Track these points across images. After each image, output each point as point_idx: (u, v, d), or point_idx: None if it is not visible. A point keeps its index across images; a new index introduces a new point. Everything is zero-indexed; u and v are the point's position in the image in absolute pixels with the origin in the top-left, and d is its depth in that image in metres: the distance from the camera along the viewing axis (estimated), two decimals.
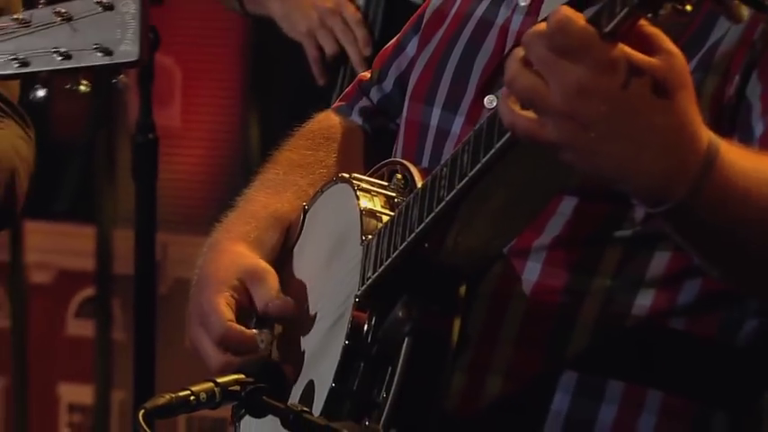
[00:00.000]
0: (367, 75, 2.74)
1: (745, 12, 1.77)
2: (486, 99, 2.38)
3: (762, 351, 2.26)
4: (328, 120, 2.71)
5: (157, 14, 3.72)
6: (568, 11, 1.80)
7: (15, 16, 2.38)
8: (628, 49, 1.82)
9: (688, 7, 1.76)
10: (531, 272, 2.27)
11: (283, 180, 2.60)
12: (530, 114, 1.85)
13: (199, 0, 5.46)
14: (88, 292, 6.29)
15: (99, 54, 2.34)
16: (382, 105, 2.69)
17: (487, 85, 2.40)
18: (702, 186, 1.92)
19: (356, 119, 2.70)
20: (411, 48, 2.64)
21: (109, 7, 2.33)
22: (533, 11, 2.40)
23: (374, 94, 2.70)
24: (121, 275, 5.76)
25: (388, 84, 2.68)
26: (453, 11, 2.54)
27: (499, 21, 2.45)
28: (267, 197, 2.57)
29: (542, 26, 1.82)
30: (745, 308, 2.23)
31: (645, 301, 2.25)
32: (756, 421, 2.28)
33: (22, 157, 2.74)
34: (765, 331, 2.24)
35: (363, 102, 2.71)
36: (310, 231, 2.50)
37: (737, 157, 1.97)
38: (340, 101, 2.76)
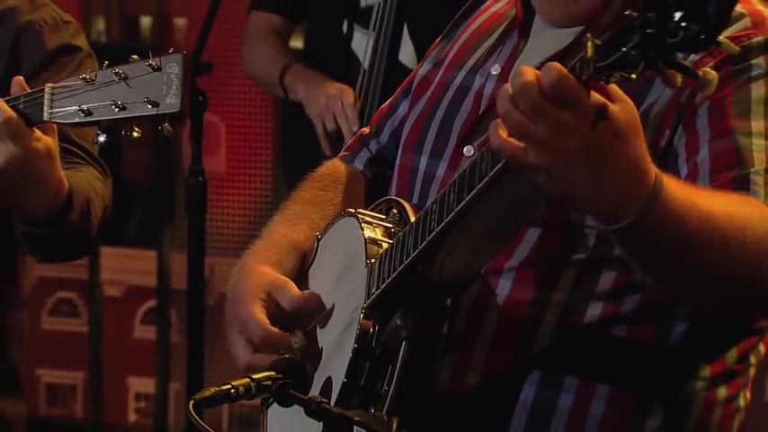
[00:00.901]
0: (366, 130, 2.73)
1: (680, 78, 1.77)
2: (464, 149, 2.37)
3: (689, 349, 2.26)
4: (335, 166, 2.70)
5: (206, 81, 3.76)
6: (560, 67, 1.79)
7: (83, 76, 2.40)
8: (598, 98, 1.82)
9: (633, 75, 1.78)
10: (503, 288, 2.28)
11: (299, 215, 2.59)
12: (515, 141, 1.84)
13: (240, 70, 5.47)
14: (151, 303, 6.28)
15: (148, 106, 2.34)
16: (379, 154, 2.67)
17: (466, 138, 2.38)
18: (650, 210, 1.92)
19: (358, 165, 2.69)
20: (402, 108, 2.62)
21: (157, 69, 2.34)
22: (503, 78, 2.36)
23: (373, 146, 2.69)
24: (177, 290, 5.77)
25: (384, 137, 2.67)
26: (437, 78, 2.53)
27: (475, 86, 2.44)
28: (286, 228, 2.57)
29: (533, 76, 1.81)
30: (675, 315, 2.23)
31: (595, 311, 2.25)
32: (686, 404, 2.28)
33: (98, 192, 2.70)
34: (692, 333, 2.24)
35: (364, 152, 2.70)
36: (323, 256, 2.49)
37: (678, 189, 1.97)
38: (344, 151, 2.76)
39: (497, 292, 2.28)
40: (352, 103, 4.10)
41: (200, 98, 3.83)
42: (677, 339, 2.26)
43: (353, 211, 2.43)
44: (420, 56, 3.87)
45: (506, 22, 2.47)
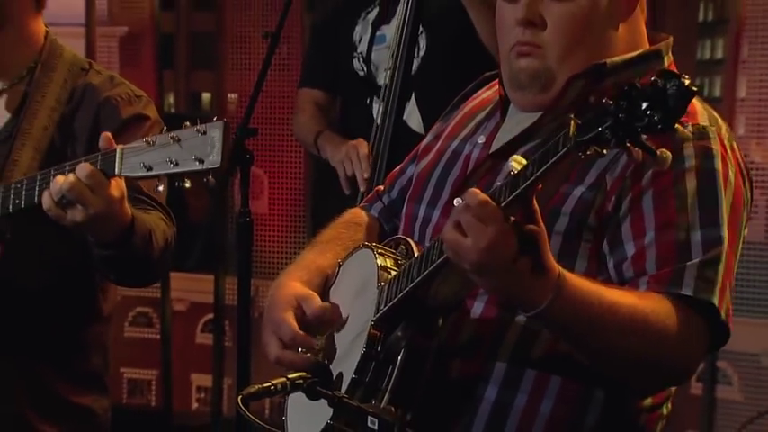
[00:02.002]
0: (381, 187, 2.71)
1: (641, 154, 1.79)
2: (455, 201, 2.24)
3: None
4: (356, 213, 2.68)
5: (252, 142, 3.75)
6: (481, 196, 1.90)
7: (145, 139, 2.40)
8: (515, 221, 1.90)
9: (605, 151, 1.83)
10: (477, 309, 2.25)
11: (326, 247, 2.56)
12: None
13: (279, 132, 5.46)
14: (209, 316, 6.28)
15: (196, 163, 2.33)
16: (390, 206, 2.64)
17: (456, 192, 2.34)
18: (554, 301, 1.96)
19: (374, 213, 2.66)
20: (410, 171, 2.60)
21: (203, 133, 2.33)
22: (486, 146, 2.36)
23: (385, 199, 2.66)
24: (229, 306, 5.75)
25: (395, 193, 2.64)
26: (437, 147, 2.51)
27: (465, 152, 2.42)
28: (315, 256, 2.54)
29: (470, 199, 1.92)
30: None
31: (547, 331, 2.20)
32: (618, 409, 2.26)
33: (159, 227, 2.69)
34: None
35: (378, 203, 2.67)
36: (342, 278, 2.47)
37: (581, 284, 2.01)
38: (364, 202, 2.74)
39: (472, 311, 2.26)
40: (366, 154, 4.07)
41: (248, 156, 3.82)
42: None
43: (370, 244, 2.42)
44: (425, 121, 3.90)
45: (491, 105, 2.45)
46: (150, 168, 2.39)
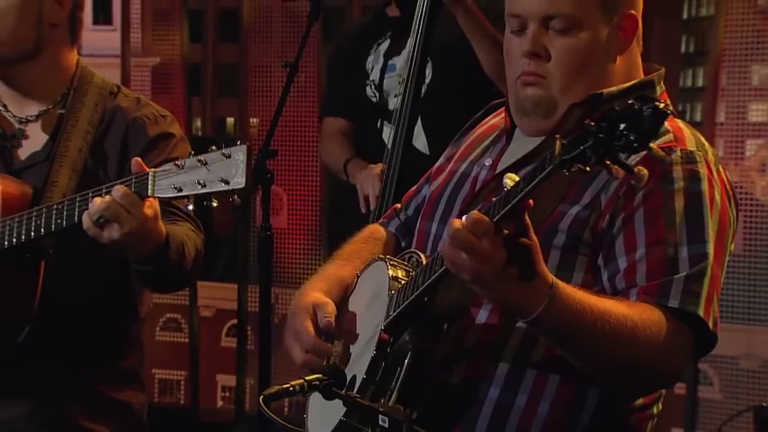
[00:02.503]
0: (398, 206, 2.71)
1: (621, 172, 1.79)
2: (463, 218, 2.35)
3: None
4: (375, 228, 2.68)
5: (272, 162, 3.75)
6: (475, 213, 1.90)
7: (176, 162, 2.39)
8: (506, 234, 1.91)
9: (588, 168, 1.82)
10: (481, 316, 2.25)
11: (347, 259, 2.56)
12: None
13: (297, 154, 5.45)
14: (233, 321, 6.25)
15: (222, 184, 2.34)
16: (407, 222, 2.64)
17: (465, 210, 2.32)
18: (548, 309, 1.96)
19: (392, 229, 2.66)
20: (424, 191, 2.60)
21: (228, 156, 2.33)
22: (493, 167, 2.37)
23: (402, 216, 2.66)
24: (252, 312, 5.71)
25: (410, 211, 2.64)
26: (448, 168, 2.51)
27: (473, 174, 2.42)
28: (335, 268, 2.53)
29: (459, 224, 1.93)
30: None
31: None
32: (611, 409, 2.25)
33: (190, 238, 2.69)
34: None
35: (395, 220, 2.67)
36: (360, 288, 2.46)
37: (574, 293, 2.01)
38: (382, 219, 2.74)
39: (477, 318, 2.25)
40: (378, 174, 4.05)
41: (269, 175, 3.83)
42: None
43: (384, 256, 2.42)
44: (431, 143, 3.90)
45: (498, 131, 2.45)
46: (180, 189, 2.38)
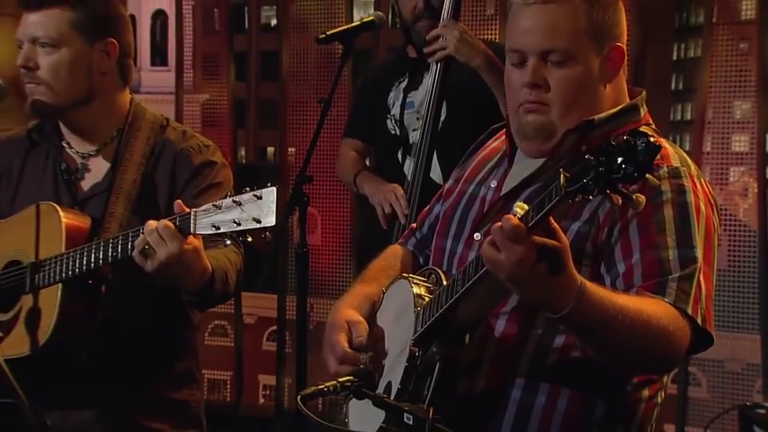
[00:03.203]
0: (414, 225, 2.70)
1: (620, 199, 1.80)
2: (474, 235, 2.35)
3: (627, 381, 2.26)
4: (396, 248, 2.68)
5: (308, 187, 3.74)
6: (514, 220, 1.88)
7: (214, 203, 2.38)
8: (538, 239, 1.87)
9: (590, 197, 1.83)
10: (499, 326, 2.24)
11: (373, 277, 2.57)
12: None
13: (330, 179, 5.45)
14: (273, 327, 6.23)
15: (254, 222, 2.32)
16: (422, 240, 2.63)
17: (476, 228, 2.36)
18: (577, 306, 1.94)
19: (410, 248, 2.66)
20: (436, 210, 2.59)
21: (260, 197, 2.32)
22: (498, 189, 2.37)
23: (418, 235, 2.65)
24: (290, 319, 5.76)
25: (425, 229, 2.63)
26: (457, 189, 2.50)
27: (481, 194, 2.41)
28: (363, 286, 2.54)
29: (503, 224, 1.89)
30: None
31: (560, 341, 2.21)
32: (620, 401, 2.25)
33: (232, 262, 2.68)
34: None
35: (413, 239, 2.66)
36: (386, 303, 2.46)
37: (598, 291, 1.98)
38: (402, 239, 2.73)
39: (495, 328, 2.24)
40: (403, 194, 4.10)
41: (305, 198, 3.82)
42: None
43: (407, 275, 2.41)
44: (445, 174, 3.91)
45: (500, 154, 2.45)
46: (218, 228, 2.37)
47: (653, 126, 2.35)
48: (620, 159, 1.76)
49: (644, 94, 2.36)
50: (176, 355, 2.86)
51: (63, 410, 2.61)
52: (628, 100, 2.33)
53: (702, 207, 2.18)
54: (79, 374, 2.65)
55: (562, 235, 1.92)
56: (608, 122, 2.25)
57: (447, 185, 2.60)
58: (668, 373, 2.33)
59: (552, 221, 1.91)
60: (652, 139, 1.76)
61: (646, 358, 2.08)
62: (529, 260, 1.88)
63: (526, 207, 1.93)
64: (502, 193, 2.35)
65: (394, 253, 2.67)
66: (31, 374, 2.34)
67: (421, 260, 2.62)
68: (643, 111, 2.34)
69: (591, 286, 1.98)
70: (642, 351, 2.05)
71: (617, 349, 2.05)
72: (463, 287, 2.12)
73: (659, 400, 2.32)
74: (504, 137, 2.45)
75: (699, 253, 2.13)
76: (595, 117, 2.24)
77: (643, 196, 1.83)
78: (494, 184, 2.40)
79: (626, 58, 2.32)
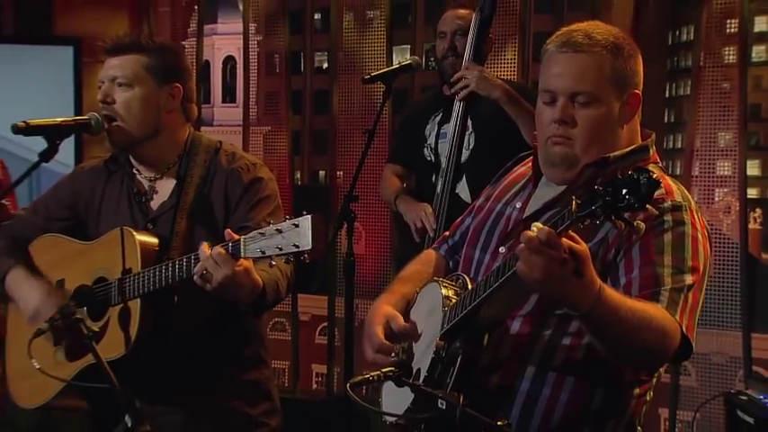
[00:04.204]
0: (447, 233, 2.68)
1: (624, 225, 1.80)
2: (499, 248, 2.34)
3: (616, 365, 2.21)
4: (430, 253, 2.66)
5: (355, 205, 3.73)
6: (546, 229, 1.86)
7: (258, 231, 2.36)
8: (566, 242, 1.85)
9: (597, 222, 1.84)
10: (514, 327, 2.22)
11: (408, 279, 2.56)
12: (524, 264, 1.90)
13: (373, 199, 5.44)
14: (324, 324, 6.20)
15: (293, 247, 2.30)
16: (453, 247, 2.62)
17: (501, 243, 2.35)
18: (595, 306, 1.92)
19: (442, 253, 2.64)
20: (467, 222, 2.57)
21: (297, 225, 2.29)
22: (522, 209, 2.36)
23: (450, 242, 2.63)
24: (338, 317, 5.73)
25: (456, 237, 2.61)
26: (487, 206, 2.49)
27: (506, 213, 2.41)
28: (400, 286, 2.53)
29: (536, 232, 1.87)
30: None
31: (566, 341, 2.19)
32: (615, 398, 2.23)
33: (283, 272, 2.65)
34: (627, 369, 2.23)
35: (445, 246, 2.64)
36: (419, 303, 2.45)
37: (613, 294, 1.96)
38: (435, 245, 2.71)
39: (511, 328, 2.23)
40: (431, 212, 4.11)
41: (352, 215, 3.82)
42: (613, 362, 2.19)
43: (438, 279, 2.40)
44: (473, 193, 3.92)
45: (526, 179, 2.44)
46: (264, 252, 2.34)
47: (660, 164, 2.34)
48: (624, 191, 1.75)
49: (653, 136, 2.34)
50: (244, 342, 2.85)
51: (151, 396, 2.60)
52: (640, 140, 2.31)
53: (699, 237, 2.16)
54: (162, 367, 2.65)
55: (583, 243, 1.90)
56: (621, 159, 2.22)
57: (478, 202, 2.57)
58: (659, 369, 2.29)
59: (574, 234, 1.90)
60: (653, 175, 1.76)
61: (647, 354, 2.05)
62: (556, 262, 1.86)
63: (542, 226, 1.91)
64: (525, 215, 2.34)
65: (428, 257, 2.65)
66: (122, 371, 2.33)
67: (451, 264, 2.60)
68: (652, 150, 2.32)
69: (607, 289, 1.96)
70: (645, 347, 2.02)
71: (623, 345, 2.02)
72: (485, 292, 2.10)
73: (648, 398, 2.30)
74: (530, 164, 2.45)
75: (689, 275, 2.11)
76: (611, 155, 2.22)
77: (643, 223, 1.83)
78: (518, 204, 2.38)
79: (641, 104, 2.30)
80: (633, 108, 2.27)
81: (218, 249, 2.40)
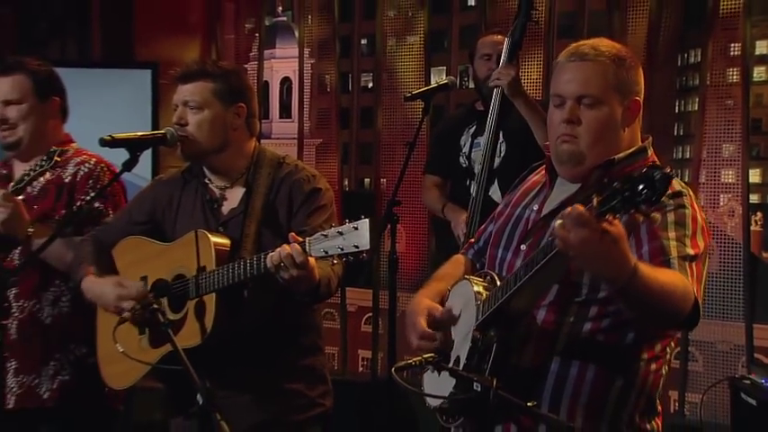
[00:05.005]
0: (473, 240, 2.68)
1: (641, 217, 1.80)
2: (521, 246, 2.33)
3: (635, 345, 2.21)
4: (459, 257, 2.67)
5: (398, 209, 3.73)
6: (581, 208, 1.82)
7: (323, 233, 2.36)
8: (603, 223, 1.82)
9: (617, 215, 1.81)
10: (540, 314, 2.22)
11: (442, 278, 2.56)
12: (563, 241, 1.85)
13: (413, 202, 5.43)
14: (369, 314, 6.20)
15: (353, 247, 2.30)
16: (479, 251, 2.61)
17: (522, 241, 2.34)
18: (632, 279, 1.89)
19: (469, 256, 2.64)
20: (490, 228, 2.57)
21: (356, 228, 2.29)
22: (539, 211, 2.35)
23: (476, 247, 2.63)
24: (382, 308, 5.72)
25: (481, 243, 2.61)
26: (506, 212, 2.48)
27: (525, 215, 2.40)
28: (436, 284, 2.53)
29: (573, 210, 1.83)
30: (629, 328, 2.18)
31: (587, 326, 2.18)
32: (634, 373, 2.22)
33: (335, 271, 2.65)
34: (637, 337, 2.20)
35: (472, 250, 2.64)
36: (452, 298, 2.44)
37: (646, 267, 1.93)
38: (463, 250, 2.71)
39: (537, 316, 2.23)
40: (464, 220, 4.13)
41: (395, 217, 3.82)
42: (630, 340, 2.20)
43: (468, 276, 2.40)
44: (503, 195, 3.91)
45: (540, 185, 2.44)
46: (327, 252, 2.35)
47: (658, 163, 2.32)
48: (641, 187, 1.74)
49: (650, 138, 2.33)
50: (304, 332, 2.85)
51: (221, 378, 2.61)
52: (640, 143, 2.31)
53: (699, 219, 2.16)
54: (232, 353, 2.66)
55: (617, 223, 1.87)
56: (625, 160, 2.23)
57: (498, 209, 2.57)
58: (683, 328, 2.28)
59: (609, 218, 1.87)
60: (667, 170, 1.75)
61: (673, 315, 2.02)
62: (596, 234, 1.83)
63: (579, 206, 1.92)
64: (542, 215, 2.34)
65: (458, 260, 2.64)
66: (196, 357, 2.35)
67: (478, 266, 2.60)
68: (650, 152, 2.31)
69: (642, 264, 1.94)
70: (672, 311, 2.00)
71: (656, 311, 2.00)
72: (516, 285, 2.10)
73: (664, 372, 2.29)
74: (542, 171, 2.46)
75: (691, 249, 2.09)
76: (616, 157, 2.22)
77: (658, 215, 1.83)
78: (536, 207, 2.38)
79: (641, 110, 2.31)
80: (634, 113, 2.26)
81: (297, 248, 2.42)
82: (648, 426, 2.27)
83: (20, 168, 3.14)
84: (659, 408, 2.31)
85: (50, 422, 3.03)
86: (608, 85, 2.21)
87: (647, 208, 1.76)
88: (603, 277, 1.97)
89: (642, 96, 2.30)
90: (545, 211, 2.33)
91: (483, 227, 2.66)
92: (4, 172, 3.19)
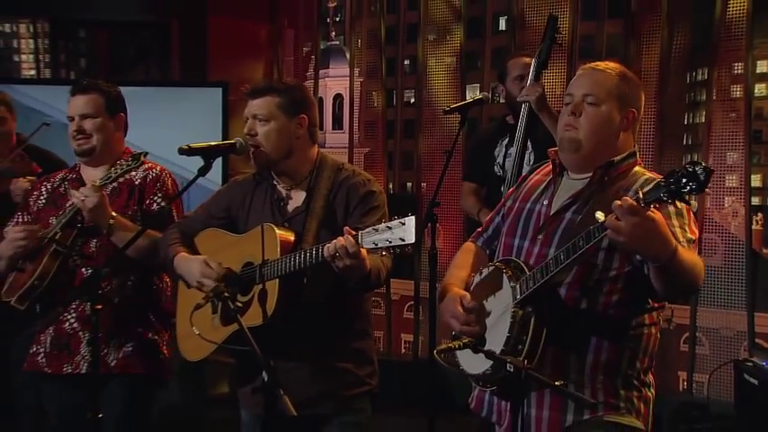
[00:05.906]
0: (480, 229, 2.67)
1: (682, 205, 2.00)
2: (538, 236, 2.34)
3: (639, 315, 2.26)
4: (470, 245, 2.66)
5: (437, 209, 3.70)
6: (630, 200, 1.88)
7: (374, 227, 2.33)
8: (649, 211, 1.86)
9: (658, 205, 1.88)
10: (561, 292, 2.24)
11: (461, 266, 2.56)
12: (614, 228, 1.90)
13: (450, 204, 5.39)
14: (411, 302, 6.18)
15: (400, 241, 2.28)
16: (488, 239, 2.62)
17: (538, 232, 2.34)
18: (672, 257, 1.94)
19: (479, 244, 2.64)
20: (497, 219, 2.59)
21: (403, 224, 2.27)
22: (549, 205, 2.37)
23: (485, 235, 2.63)
24: (423, 297, 5.72)
25: (490, 231, 2.62)
26: (516, 207, 2.48)
27: (537, 209, 2.41)
28: (458, 272, 2.54)
29: (624, 202, 1.88)
30: (636, 304, 2.23)
31: (601, 300, 2.21)
32: (638, 338, 2.26)
33: (385, 264, 2.63)
34: (641, 309, 2.25)
35: (481, 238, 2.64)
36: (479, 284, 2.43)
37: (683, 249, 1.98)
38: (472, 237, 2.69)
39: (559, 294, 2.24)
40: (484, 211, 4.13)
41: (435, 216, 3.80)
42: (636, 312, 2.23)
43: (495, 264, 2.39)
44: None
45: (546, 182, 2.46)
46: (376, 244, 2.33)
47: (642, 165, 2.38)
48: (684, 180, 1.78)
49: (636, 146, 2.39)
50: (355, 317, 2.83)
51: (283, 355, 2.61)
52: (633, 147, 2.39)
53: (691, 213, 2.22)
54: (292, 333, 2.66)
55: (659, 213, 1.94)
56: (621, 162, 2.31)
57: (508, 204, 2.57)
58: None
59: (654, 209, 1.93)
60: (708, 165, 1.80)
61: (694, 287, 2.08)
62: (643, 225, 1.89)
63: (604, 216, 1.97)
64: (552, 211, 2.37)
65: (469, 248, 2.64)
66: (261, 335, 2.34)
67: (488, 252, 2.60)
68: (638, 155, 2.39)
69: (680, 247, 2.00)
70: (693, 282, 2.05)
71: (683, 285, 2.05)
72: (557, 267, 2.13)
73: (659, 336, 2.36)
74: (545, 170, 2.50)
75: (691, 234, 2.15)
76: (614, 159, 2.30)
77: (695, 202, 1.83)
78: (546, 202, 2.38)
79: (638, 121, 2.38)
80: (630, 121, 2.34)
81: (350, 239, 2.40)
82: (648, 378, 2.33)
83: (88, 173, 3.19)
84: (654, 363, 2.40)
85: (115, 384, 3.07)
86: (610, 91, 2.29)
87: (688, 198, 1.81)
88: (650, 257, 2.01)
89: (640, 113, 2.37)
90: (556, 205, 2.34)
91: (489, 218, 2.65)
92: (73, 176, 3.24)
